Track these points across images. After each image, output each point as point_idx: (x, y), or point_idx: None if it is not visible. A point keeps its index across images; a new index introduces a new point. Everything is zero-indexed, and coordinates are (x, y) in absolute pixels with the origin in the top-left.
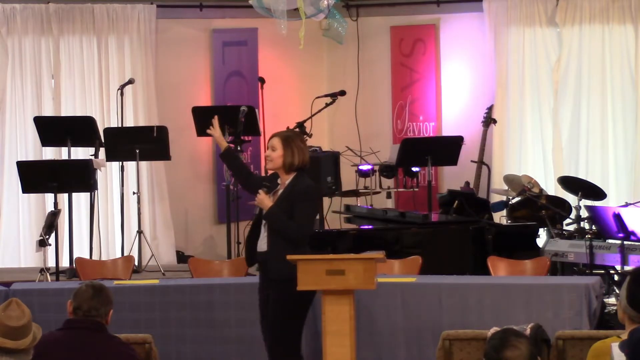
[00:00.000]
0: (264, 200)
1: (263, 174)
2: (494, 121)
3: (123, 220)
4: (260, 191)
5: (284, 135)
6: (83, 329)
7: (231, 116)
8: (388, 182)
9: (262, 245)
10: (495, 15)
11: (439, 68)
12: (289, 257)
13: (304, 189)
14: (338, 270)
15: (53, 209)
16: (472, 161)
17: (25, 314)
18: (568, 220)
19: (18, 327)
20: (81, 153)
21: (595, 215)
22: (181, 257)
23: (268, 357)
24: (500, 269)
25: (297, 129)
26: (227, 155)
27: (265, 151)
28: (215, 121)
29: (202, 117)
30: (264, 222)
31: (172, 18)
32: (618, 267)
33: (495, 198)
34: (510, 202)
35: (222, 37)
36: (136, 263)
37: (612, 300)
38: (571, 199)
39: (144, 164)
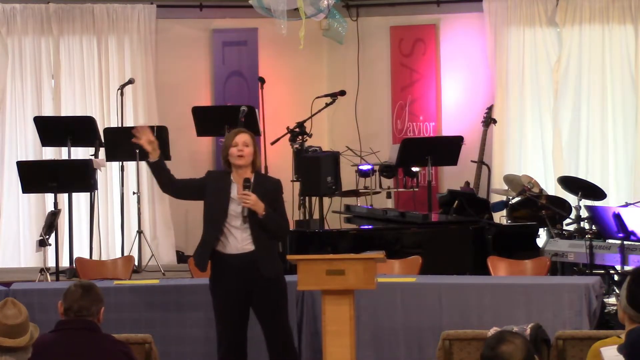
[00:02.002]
0: (258, 201)
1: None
2: (494, 121)
3: (123, 220)
4: (249, 192)
5: (251, 134)
6: (75, 329)
7: (231, 116)
8: (388, 182)
9: (244, 245)
10: (495, 15)
11: (439, 68)
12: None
13: (278, 184)
14: (338, 270)
15: (53, 209)
16: (472, 161)
17: (22, 312)
18: (568, 220)
19: (16, 325)
20: (81, 153)
21: (595, 215)
22: (181, 257)
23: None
24: (500, 269)
25: (297, 129)
26: (158, 164)
27: (240, 146)
28: (146, 130)
29: (202, 117)
30: (240, 221)
31: (172, 18)
32: (618, 267)
33: (495, 198)
34: (510, 202)
35: (222, 37)
36: (136, 263)
37: (612, 300)
38: (571, 199)
39: (144, 164)
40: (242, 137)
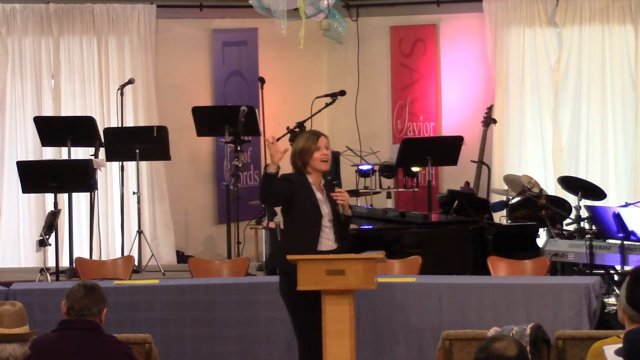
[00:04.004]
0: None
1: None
2: (494, 121)
3: (123, 220)
4: (341, 190)
5: (326, 135)
6: (77, 329)
7: (231, 116)
8: (388, 182)
9: (329, 243)
10: (495, 15)
11: (439, 68)
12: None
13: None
14: (338, 270)
15: (53, 209)
16: (472, 161)
17: (16, 304)
18: (568, 220)
19: (16, 312)
20: (81, 153)
21: (595, 215)
22: (181, 257)
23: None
24: (500, 269)
25: (297, 129)
26: (276, 176)
27: (324, 150)
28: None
29: (202, 117)
30: (328, 219)
31: (172, 18)
32: (618, 267)
33: (495, 198)
34: (510, 202)
35: (222, 37)
36: (136, 263)
37: (612, 300)
38: (571, 199)
39: (144, 164)
40: (324, 141)
